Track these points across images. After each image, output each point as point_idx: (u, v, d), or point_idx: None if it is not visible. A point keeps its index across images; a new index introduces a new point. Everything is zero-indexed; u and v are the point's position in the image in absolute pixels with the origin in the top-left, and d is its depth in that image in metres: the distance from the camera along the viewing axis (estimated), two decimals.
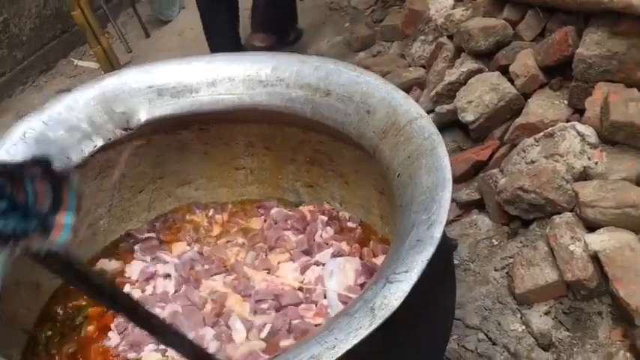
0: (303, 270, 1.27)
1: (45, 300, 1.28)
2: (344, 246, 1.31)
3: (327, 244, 1.32)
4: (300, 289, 1.23)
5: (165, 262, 1.33)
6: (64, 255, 0.60)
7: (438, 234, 0.82)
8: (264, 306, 1.19)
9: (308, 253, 1.31)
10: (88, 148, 1.23)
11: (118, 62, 2.88)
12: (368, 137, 1.10)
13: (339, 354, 0.71)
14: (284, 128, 1.36)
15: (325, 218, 1.37)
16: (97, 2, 3.02)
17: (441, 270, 0.99)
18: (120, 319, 1.23)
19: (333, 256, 1.27)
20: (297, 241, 1.33)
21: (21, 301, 1.21)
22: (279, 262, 1.30)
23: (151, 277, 1.31)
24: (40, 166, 0.56)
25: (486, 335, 1.55)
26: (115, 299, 0.73)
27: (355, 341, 0.72)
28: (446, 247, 1.06)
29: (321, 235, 1.33)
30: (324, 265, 1.26)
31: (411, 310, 0.81)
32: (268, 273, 1.28)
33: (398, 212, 0.96)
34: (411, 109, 1.04)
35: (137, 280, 1.32)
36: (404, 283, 0.77)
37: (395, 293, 0.76)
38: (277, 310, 1.19)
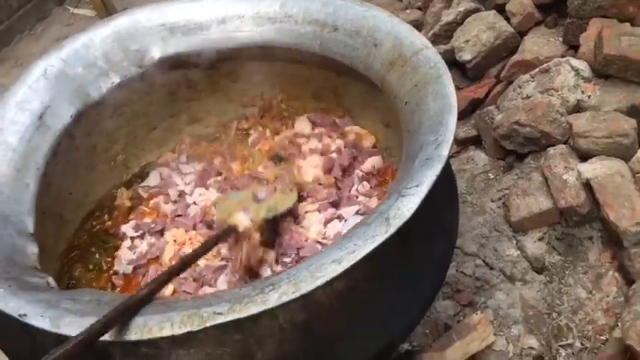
0: (326, 223, 1.27)
1: (70, 232, 1.35)
2: (373, 203, 1.30)
3: (357, 198, 1.32)
4: (320, 242, 1.24)
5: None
6: None
7: (445, 152, 0.89)
8: (287, 260, 1.23)
9: (335, 205, 1.31)
10: (105, 85, 1.28)
11: (114, 9, 2.88)
12: (375, 70, 1.16)
13: (359, 257, 0.78)
14: (292, 65, 1.41)
15: (361, 173, 1.36)
16: None
17: (447, 188, 1.06)
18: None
19: (357, 214, 1.27)
20: (328, 193, 1.32)
21: (47, 231, 1.28)
22: (306, 212, 1.30)
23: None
24: None
25: (483, 261, 1.65)
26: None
27: (372, 246, 0.79)
28: (450, 168, 1.14)
29: (357, 189, 1.34)
30: (346, 220, 1.27)
31: (423, 221, 0.89)
32: (295, 222, 1.30)
33: (406, 137, 1.03)
34: (417, 40, 1.10)
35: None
36: (415, 196, 0.85)
37: (407, 205, 0.83)
38: (297, 262, 1.21)
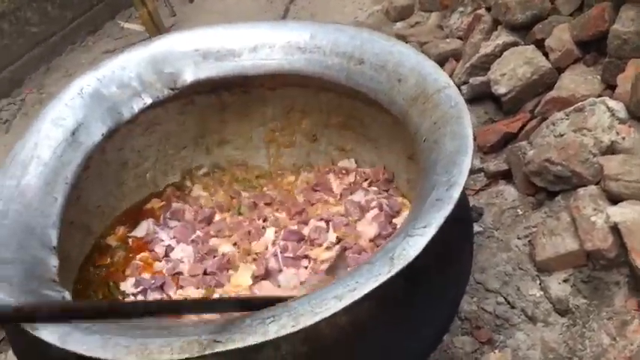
0: None
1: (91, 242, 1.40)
2: None
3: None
4: None
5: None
6: None
7: (456, 194, 0.89)
8: None
9: None
10: (137, 105, 1.32)
11: (162, 25, 2.97)
12: (398, 104, 1.17)
13: (359, 296, 0.79)
14: (320, 93, 1.43)
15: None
16: None
17: (460, 230, 1.06)
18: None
19: None
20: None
21: (74, 241, 1.33)
22: None
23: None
24: None
25: (505, 299, 1.62)
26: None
27: (374, 285, 0.80)
28: (465, 210, 1.13)
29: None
30: None
31: (430, 262, 0.89)
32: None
33: (421, 174, 1.03)
34: (440, 78, 1.10)
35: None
36: (422, 237, 0.85)
37: (413, 245, 0.84)
38: None
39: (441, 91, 1.08)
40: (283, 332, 0.78)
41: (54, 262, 1.05)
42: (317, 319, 0.78)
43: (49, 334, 0.82)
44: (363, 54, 1.23)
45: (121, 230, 1.43)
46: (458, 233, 1.04)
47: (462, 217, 1.09)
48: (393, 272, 0.81)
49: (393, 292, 0.89)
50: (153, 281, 1.31)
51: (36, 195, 1.12)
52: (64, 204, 1.16)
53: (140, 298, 1.30)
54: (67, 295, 0.97)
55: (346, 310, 0.80)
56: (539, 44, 1.94)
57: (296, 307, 0.80)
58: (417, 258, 0.83)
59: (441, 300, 0.98)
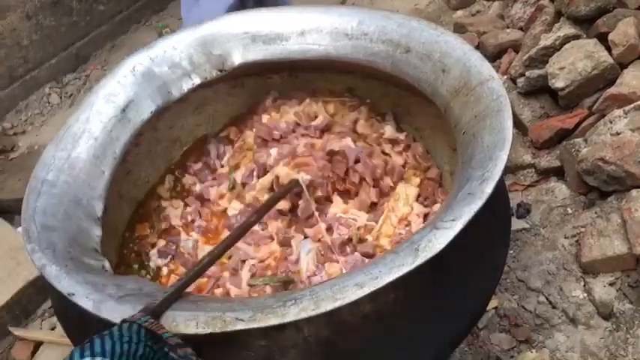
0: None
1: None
2: None
3: None
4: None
5: None
6: None
7: (488, 189, 0.88)
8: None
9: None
10: (187, 85, 1.36)
11: None
12: (441, 95, 1.15)
13: (380, 284, 0.79)
14: (367, 80, 1.43)
15: None
16: None
17: (493, 225, 1.04)
18: None
19: None
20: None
21: (123, 213, 1.39)
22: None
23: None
24: None
25: (547, 298, 1.59)
26: None
27: (396, 275, 0.80)
28: (502, 205, 1.11)
29: None
30: None
31: (458, 255, 0.89)
32: None
33: (459, 167, 1.02)
34: (484, 70, 1.08)
35: None
36: (449, 230, 0.84)
37: (439, 238, 0.83)
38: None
39: (484, 83, 1.06)
40: (303, 315, 0.79)
41: (97, 232, 1.10)
42: (337, 304, 0.79)
43: (86, 301, 0.86)
44: (409, 42, 1.22)
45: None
46: (491, 228, 1.02)
47: (497, 212, 1.07)
48: (417, 263, 0.81)
49: (418, 284, 0.89)
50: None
51: (85, 167, 1.17)
52: (111, 178, 1.20)
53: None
54: (107, 265, 1.02)
55: (370, 297, 0.81)
56: (602, 38, 1.86)
57: (318, 291, 0.81)
58: (443, 250, 0.83)
59: (468, 294, 0.97)
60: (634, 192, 1.53)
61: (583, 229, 1.64)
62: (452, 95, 1.12)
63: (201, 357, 0.80)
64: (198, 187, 1.49)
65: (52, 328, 1.87)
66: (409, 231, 1.28)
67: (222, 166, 1.52)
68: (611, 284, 1.53)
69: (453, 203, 0.89)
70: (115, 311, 0.84)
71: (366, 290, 0.80)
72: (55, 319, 1.86)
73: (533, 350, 1.52)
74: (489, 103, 1.02)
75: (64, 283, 0.89)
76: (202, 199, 1.46)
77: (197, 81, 1.37)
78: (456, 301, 0.95)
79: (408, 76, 1.23)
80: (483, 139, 0.98)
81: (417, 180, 1.38)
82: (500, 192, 1.09)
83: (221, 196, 1.45)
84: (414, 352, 0.93)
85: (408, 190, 1.34)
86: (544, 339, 1.53)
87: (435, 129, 1.38)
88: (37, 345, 1.83)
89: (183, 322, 0.82)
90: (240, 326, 0.80)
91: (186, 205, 1.47)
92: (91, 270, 0.97)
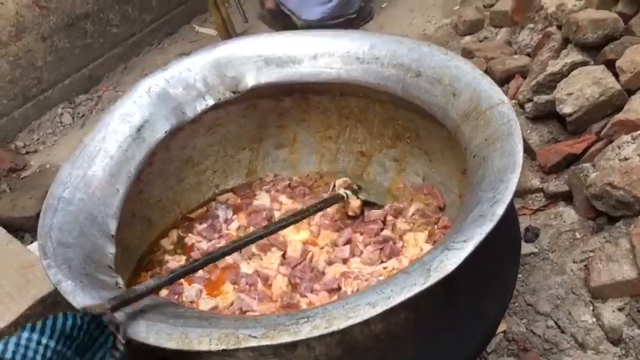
0: None
1: (155, 235, 1.47)
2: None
3: None
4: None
5: None
6: None
7: (499, 211, 0.89)
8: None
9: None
10: (200, 106, 1.38)
11: (234, 31, 3.06)
12: (451, 118, 1.17)
13: (392, 304, 0.80)
14: (377, 104, 1.45)
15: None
16: None
17: (504, 247, 1.05)
18: None
19: None
20: None
21: (135, 232, 1.40)
22: None
23: None
24: None
25: (556, 323, 1.58)
26: None
27: (408, 295, 0.81)
28: (512, 228, 1.12)
29: None
30: None
31: (469, 276, 0.90)
32: None
33: (469, 190, 1.03)
34: (494, 95, 1.10)
35: None
36: (461, 251, 0.85)
37: (451, 259, 0.84)
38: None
39: (494, 107, 1.08)
40: (316, 333, 0.80)
41: (111, 249, 1.11)
42: (349, 323, 0.80)
43: None
44: (420, 66, 1.24)
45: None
46: (502, 250, 1.03)
47: (507, 235, 1.08)
48: (429, 284, 0.82)
49: (429, 304, 0.90)
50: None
51: (100, 185, 1.19)
52: (126, 196, 1.22)
53: None
54: (120, 281, 1.03)
55: (382, 317, 0.82)
56: (610, 65, 1.88)
57: (330, 310, 0.82)
58: (455, 271, 0.84)
59: (478, 316, 0.98)
60: None
61: (592, 254, 1.64)
62: (462, 119, 1.14)
63: None
64: (204, 245, 1.48)
65: None
66: None
67: (228, 230, 1.52)
68: (620, 309, 1.52)
69: (464, 225, 0.90)
70: (126, 326, 0.86)
71: (379, 309, 0.80)
72: None
73: None
74: (499, 127, 1.04)
75: (79, 298, 0.91)
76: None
77: (211, 102, 1.39)
78: (466, 323, 0.95)
79: (418, 99, 1.25)
80: (494, 162, 1.00)
81: (426, 232, 1.41)
82: (510, 215, 1.11)
83: None
84: None
85: (416, 236, 1.37)
86: None
87: (444, 152, 1.39)
88: None
89: (196, 338, 0.83)
90: (253, 343, 0.81)
91: (189, 258, 1.46)
92: (105, 286, 0.99)
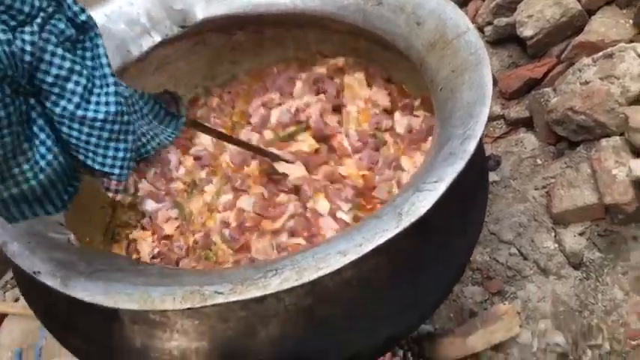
0: None
1: None
2: None
3: None
4: None
5: None
6: None
7: (471, 148, 0.85)
8: None
9: None
10: (147, 43, 1.28)
11: None
12: (416, 49, 1.11)
13: (364, 251, 0.77)
14: (335, 34, 1.37)
15: None
16: None
17: (474, 182, 1.02)
18: None
19: None
20: None
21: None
22: None
23: None
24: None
25: (518, 250, 1.60)
26: None
27: (380, 241, 0.77)
28: (481, 161, 1.09)
29: None
30: None
31: (441, 217, 0.86)
32: None
33: (437, 126, 0.99)
34: (460, 22, 1.04)
35: None
36: (433, 192, 0.81)
37: (422, 201, 0.80)
38: None
39: (460, 36, 1.02)
40: (286, 286, 0.76)
41: None
42: (320, 274, 0.76)
43: (52, 278, 0.81)
44: None
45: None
46: (471, 185, 1.01)
47: (477, 169, 1.05)
48: (401, 228, 0.79)
49: (401, 247, 0.87)
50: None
51: None
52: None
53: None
54: (72, 238, 0.97)
55: (353, 264, 0.78)
56: None
57: (300, 261, 0.78)
58: (427, 213, 0.80)
59: (451, 253, 0.96)
60: (603, 141, 1.53)
61: (553, 180, 1.65)
62: (427, 49, 1.08)
63: None
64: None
65: (16, 300, 1.81)
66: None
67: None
68: (581, 234, 1.55)
69: (435, 164, 0.86)
70: (85, 289, 0.80)
71: (350, 258, 0.77)
72: (18, 290, 1.80)
73: (506, 302, 1.54)
74: (467, 57, 0.99)
75: (28, 261, 0.84)
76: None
77: (157, 39, 1.29)
78: (440, 263, 0.93)
79: (380, 29, 1.18)
80: (462, 94, 0.95)
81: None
82: (480, 148, 1.07)
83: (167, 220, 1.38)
84: (395, 317, 0.92)
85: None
86: (516, 290, 1.55)
87: (409, 85, 1.34)
88: (1, 317, 1.77)
89: (159, 298, 0.78)
90: (220, 299, 0.76)
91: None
92: (57, 245, 0.92)
